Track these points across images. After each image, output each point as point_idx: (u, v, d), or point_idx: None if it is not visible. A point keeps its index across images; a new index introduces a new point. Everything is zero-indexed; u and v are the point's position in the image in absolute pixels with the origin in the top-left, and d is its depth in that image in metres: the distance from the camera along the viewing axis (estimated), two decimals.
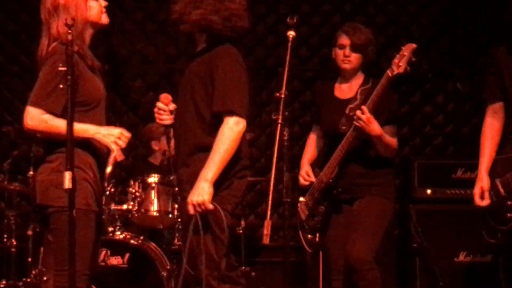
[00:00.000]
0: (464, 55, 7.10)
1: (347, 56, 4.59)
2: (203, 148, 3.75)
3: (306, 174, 4.72)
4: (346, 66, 4.62)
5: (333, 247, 4.63)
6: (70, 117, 3.58)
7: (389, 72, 4.37)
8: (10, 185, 5.69)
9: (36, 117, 3.65)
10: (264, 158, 6.96)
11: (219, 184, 3.71)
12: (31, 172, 5.56)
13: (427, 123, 7.13)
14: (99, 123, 3.77)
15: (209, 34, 3.83)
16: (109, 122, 3.87)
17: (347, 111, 4.54)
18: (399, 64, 4.34)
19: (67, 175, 3.56)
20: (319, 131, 4.83)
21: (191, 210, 3.68)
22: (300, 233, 4.72)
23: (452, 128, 7.14)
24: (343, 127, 4.51)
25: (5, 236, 5.75)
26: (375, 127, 4.41)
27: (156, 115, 3.97)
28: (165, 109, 3.94)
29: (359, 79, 4.67)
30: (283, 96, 3.96)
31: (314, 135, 4.88)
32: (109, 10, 3.90)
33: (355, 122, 4.41)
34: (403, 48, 4.39)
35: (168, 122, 3.96)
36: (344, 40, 4.60)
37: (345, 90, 4.69)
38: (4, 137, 6.45)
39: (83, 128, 3.69)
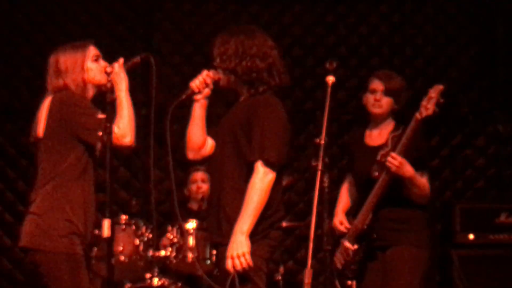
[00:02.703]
0: (504, 97, 7.02)
1: (378, 101, 4.58)
2: (237, 193, 3.74)
3: (339, 223, 4.68)
4: (377, 110, 4.61)
5: None
6: (110, 163, 3.59)
7: (418, 115, 4.36)
8: None
9: None
10: (303, 203, 6.90)
11: (256, 233, 3.70)
12: None
13: (468, 166, 7.03)
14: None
15: (256, 83, 3.82)
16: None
17: (378, 158, 4.51)
18: (427, 106, 4.34)
19: (106, 223, 3.55)
20: (352, 180, 4.81)
21: (229, 265, 3.65)
22: (337, 282, 4.66)
23: (494, 171, 7.04)
24: (376, 173, 4.48)
25: None
26: (408, 169, 4.39)
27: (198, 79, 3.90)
28: (207, 82, 3.88)
29: (389, 125, 4.64)
30: (323, 142, 3.94)
31: (347, 184, 4.86)
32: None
33: (389, 168, 4.38)
34: (430, 90, 4.39)
35: (195, 89, 3.88)
36: (377, 85, 4.60)
37: (375, 136, 4.67)
38: None
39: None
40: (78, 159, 3.88)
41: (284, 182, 4.83)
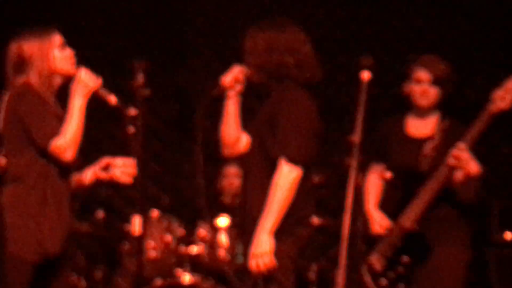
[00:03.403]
0: None
1: (425, 92, 4.32)
2: (261, 192, 3.70)
3: (381, 221, 4.36)
4: (425, 102, 4.34)
5: None
6: (141, 161, 3.57)
7: (492, 107, 4.08)
8: (80, 226, 5.68)
9: None
10: (335, 200, 6.82)
11: (281, 231, 3.65)
12: (102, 215, 5.54)
13: (505, 162, 6.91)
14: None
15: (284, 79, 3.76)
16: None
17: (426, 151, 4.28)
18: (505, 98, 4.04)
19: (137, 220, 3.52)
20: (383, 171, 4.54)
21: (252, 264, 3.60)
22: (373, 284, 4.37)
23: None
24: (425, 168, 4.24)
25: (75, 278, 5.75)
26: (475, 166, 4.12)
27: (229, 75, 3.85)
28: (238, 78, 3.82)
29: (435, 116, 4.39)
30: (359, 140, 3.85)
31: (375, 176, 4.56)
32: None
33: (452, 162, 4.09)
34: (508, 80, 4.07)
35: (227, 85, 3.83)
36: (423, 74, 4.34)
37: (419, 127, 4.41)
38: None
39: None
40: (35, 159, 3.71)
41: (317, 179, 4.74)
